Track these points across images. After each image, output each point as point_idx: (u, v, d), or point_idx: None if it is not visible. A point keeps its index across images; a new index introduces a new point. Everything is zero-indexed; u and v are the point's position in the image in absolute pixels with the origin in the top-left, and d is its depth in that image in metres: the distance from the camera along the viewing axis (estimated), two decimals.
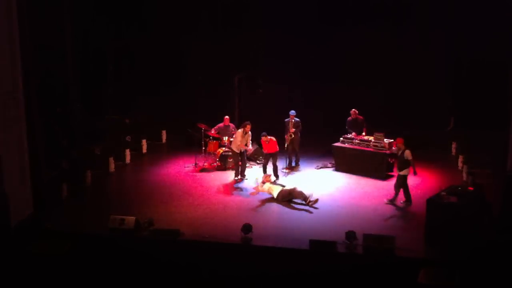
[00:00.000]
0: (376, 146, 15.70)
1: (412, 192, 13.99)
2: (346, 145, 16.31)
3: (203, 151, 16.98)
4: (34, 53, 13.61)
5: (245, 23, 19.67)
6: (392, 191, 13.96)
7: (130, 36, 20.19)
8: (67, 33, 17.73)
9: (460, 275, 10.25)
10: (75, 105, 18.15)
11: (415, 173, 13.75)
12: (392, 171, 15.40)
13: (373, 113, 17.34)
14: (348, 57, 18.75)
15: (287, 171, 16.24)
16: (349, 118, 16.60)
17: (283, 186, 14.40)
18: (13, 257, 11.38)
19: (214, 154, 16.68)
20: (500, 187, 12.75)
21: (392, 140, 15.19)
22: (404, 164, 13.59)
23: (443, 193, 11.95)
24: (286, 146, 16.40)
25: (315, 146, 18.16)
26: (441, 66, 19.06)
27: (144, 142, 18.40)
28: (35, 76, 13.59)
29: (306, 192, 13.98)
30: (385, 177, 15.43)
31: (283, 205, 13.92)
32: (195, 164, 16.73)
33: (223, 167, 16.55)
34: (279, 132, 16.47)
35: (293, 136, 16.39)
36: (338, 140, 16.49)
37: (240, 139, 15.56)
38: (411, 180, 14.35)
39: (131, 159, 17.40)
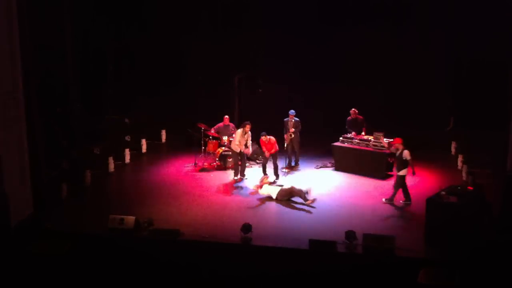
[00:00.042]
0: (376, 145, 15.70)
1: (412, 191, 13.99)
2: (346, 144, 16.31)
3: (202, 151, 16.98)
4: (34, 53, 13.60)
5: (245, 23, 19.67)
6: (391, 191, 13.96)
7: (130, 36, 20.20)
8: (67, 33, 17.73)
9: (460, 275, 10.24)
10: (75, 105, 18.15)
11: (413, 173, 13.75)
12: (391, 170, 15.38)
13: (373, 113, 17.35)
14: (348, 57, 18.75)
15: (286, 170, 16.24)
16: (349, 118, 16.60)
17: (281, 186, 14.41)
18: (13, 257, 11.37)
19: (214, 154, 16.68)
20: (500, 187, 12.75)
21: (391, 140, 15.19)
22: (402, 164, 13.59)
23: (443, 193, 11.94)
24: (285, 146, 16.40)
25: (314, 145, 18.17)
26: (441, 66, 19.06)
27: (143, 141, 18.39)
28: (35, 76, 13.58)
29: (304, 187, 14.02)
30: (384, 176, 15.43)
31: (283, 205, 13.92)
32: (195, 163, 16.73)
33: (222, 167, 16.56)
34: (279, 132, 16.47)
35: (293, 136, 16.39)
36: (337, 140, 16.48)
37: (239, 138, 15.56)
38: (411, 180, 14.35)
39: (130, 159, 17.39)
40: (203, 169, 16.48)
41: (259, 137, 15.82)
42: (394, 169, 13.98)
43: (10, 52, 12.36)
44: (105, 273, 11.13)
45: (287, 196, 14.02)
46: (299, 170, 16.51)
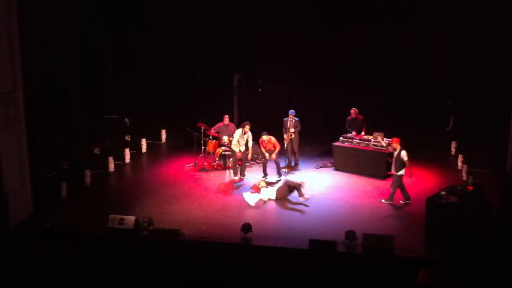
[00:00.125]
0: (376, 145, 15.69)
1: (412, 191, 13.99)
2: (346, 144, 16.30)
3: (202, 150, 16.98)
4: (34, 53, 13.60)
5: (245, 23, 19.70)
6: (389, 191, 13.95)
7: (130, 36, 20.22)
8: (67, 33, 17.73)
9: (460, 275, 10.24)
10: (75, 105, 18.15)
11: (410, 175, 13.72)
12: (391, 170, 15.39)
13: (373, 113, 17.35)
14: (348, 57, 18.77)
15: (286, 170, 16.23)
16: (349, 117, 16.60)
17: (275, 183, 14.45)
18: (13, 257, 11.37)
19: (214, 154, 16.68)
20: (500, 187, 12.75)
21: (390, 140, 15.18)
22: (400, 164, 13.59)
23: (443, 193, 11.95)
24: (285, 146, 16.40)
25: (314, 145, 18.18)
26: (441, 66, 19.09)
27: (143, 141, 18.39)
28: (35, 76, 13.58)
29: (298, 181, 14.16)
30: (384, 176, 15.41)
31: (283, 205, 13.92)
32: (195, 163, 16.72)
33: (223, 167, 16.55)
34: (279, 132, 16.47)
35: (293, 136, 16.39)
36: (337, 140, 16.49)
37: (238, 138, 15.57)
38: (411, 180, 14.34)
39: (130, 159, 17.39)
40: (203, 169, 16.48)
41: (259, 137, 15.82)
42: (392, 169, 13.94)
43: (10, 52, 12.36)
44: (105, 273, 11.12)
45: (287, 193, 14.03)
46: (299, 170, 16.50)
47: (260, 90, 19.72)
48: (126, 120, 20.12)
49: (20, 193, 12.63)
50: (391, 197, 13.82)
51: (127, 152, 17.34)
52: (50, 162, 14.97)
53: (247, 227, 11.87)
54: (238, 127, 16.42)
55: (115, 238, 12.02)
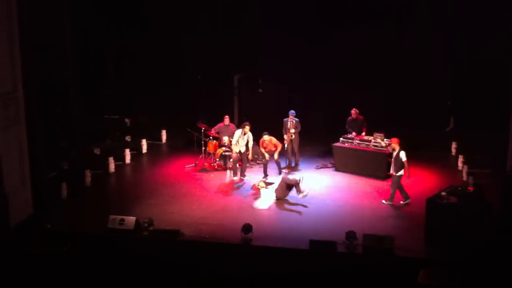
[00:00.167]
0: (376, 146, 15.69)
1: (412, 191, 13.99)
2: (346, 145, 16.30)
3: (203, 151, 16.97)
4: (34, 53, 13.59)
5: (245, 23, 19.69)
6: (389, 192, 13.95)
7: (130, 36, 20.22)
8: (67, 33, 17.73)
9: (460, 275, 10.24)
10: (75, 105, 18.15)
11: (408, 176, 13.72)
12: (390, 171, 15.40)
13: (373, 113, 17.35)
14: (348, 57, 18.76)
15: (286, 171, 16.23)
16: (350, 118, 16.59)
17: (273, 183, 14.51)
18: (13, 257, 11.37)
19: (214, 154, 16.67)
20: (500, 187, 12.75)
21: (389, 140, 15.19)
22: (399, 164, 13.59)
23: (443, 193, 11.95)
24: (285, 146, 16.39)
25: (315, 146, 18.18)
26: (441, 66, 19.09)
27: (144, 142, 18.39)
28: (35, 76, 13.57)
29: (297, 177, 14.22)
30: (385, 177, 15.41)
31: (283, 205, 13.92)
32: (195, 164, 16.72)
33: (223, 167, 16.55)
34: (279, 132, 16.46)
35: (293, 137, 16.38)
36: (338, 140, 16.48)
37: (237, 138, 15.57)
38: (412, 180, 14.34)
39: (131, 159, 17.38)
40: (203, 170, 16.47)
41: (260, 138, 15.83)
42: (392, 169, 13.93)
43: (10, 52, 12.35)
44: (105, 273, 11.12)
45: (286, 191, 14.03)
46: (299, 170, 16.50)
47: (260, 90, 19.71)
48: (127, 120, 20.13)
49: (20, 193, 12.62)
50: (391, 198, 13.82)
51: (128, 152, 17.33)
52: (50, 162, 14.97)
53: (247, 228, 11.87)
54: (238, 127, 16.41)
55: (115, 239, 12.02)
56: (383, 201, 13.90)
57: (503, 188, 12.34)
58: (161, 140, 19.46)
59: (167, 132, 19.57)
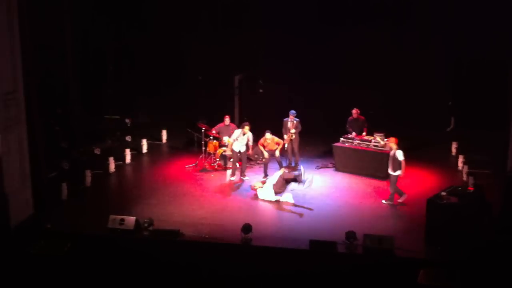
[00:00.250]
0: (376, 146, 15.69)
1: (412, 192, 14.01)
2: (347, 145, 16.30)
3: (203, 151, 16.98)
4: (34, 53, 13.59)
5: (245, 23, 19.71)
6: (389, 192, 13.96)
7: (130, 36, 20.23)
8: (67, 33, 17.73)
9: (460, 275, 10.24)
10: (75, 105, 18.15)
11: (402, 174, 13.70)
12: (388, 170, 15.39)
13: (373, 113, 17.35)
14: (348, 57, 18.77)
15: (287, 171, 16.20)
16: (350, 118, 16.58)
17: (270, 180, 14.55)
18: (13, 257, 11.37)
19: (214, 154, 16.67)
20: (500, 188, 12.75)
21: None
22: (398, 164, 13.59)
23: (443, 193, 11.94)
24: (285, 146, 16.39)
25: (315, 146, 18.18)
26: (441, 66, 19.11)
27: (144, 142, 18.40)
28: (35, 76, 13.56)
29: (296, 172, 14.26)
30: (385, 177, 15.36)
31: (283, 205, 13.92)
32: (196, 164, 16.72)
33: (223, 167, 16.56)
34: (279, 132, 16.46)
35: (294, 137, 16.37)
36: (338, 140, 16.48)
37: (235, 137, 15.57)
38: (412, 179, 14.32)
39: (131, 159, 17.39)
40: (203, 170, 16.47)
41: (260, 138, 15.82)
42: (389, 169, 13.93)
43: (10, 52, 12.35)
44: (105, 273, 11.12)
45: (284, 186, 14.02)
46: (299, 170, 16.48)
47: (260, 90, 19.71)
48: (127, 120, 20.14)
49: (20, 193, 12.61)
50: (391, 198, 13.83)
51: (128, 152, 17.33)
52: (51, 163, 14.97)
53: (247, 228, 11.86)
54: (238, 127, 16.41)
55: (115, 239, 12.02)
56: (383, 201, 13.91)
57: (503, 188, 12.34)
58: (161, 140, 19.46)
59: (167, 132, 19.58)
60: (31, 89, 13.02)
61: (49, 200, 13.53)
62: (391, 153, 13.75)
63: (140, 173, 16.75)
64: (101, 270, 11.20)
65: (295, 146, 16.54)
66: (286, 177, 14.15)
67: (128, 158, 17.29)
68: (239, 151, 15.71)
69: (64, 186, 14.22)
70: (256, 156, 16.83)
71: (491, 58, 17.53)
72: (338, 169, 16.38)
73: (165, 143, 19.44)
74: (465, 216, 11.53)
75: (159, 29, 19.92)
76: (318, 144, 18.23)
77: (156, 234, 12.08)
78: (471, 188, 12.77)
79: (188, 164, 16.78)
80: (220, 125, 16.83)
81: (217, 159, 16.60)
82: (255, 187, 14.52)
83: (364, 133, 16.40)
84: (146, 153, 18.30)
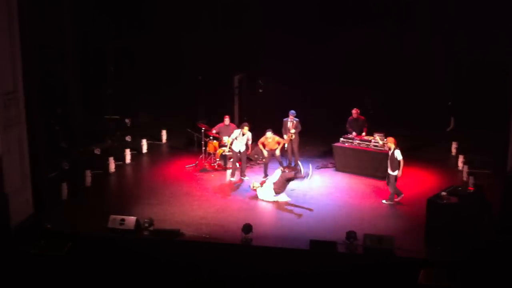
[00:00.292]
0: (376, 146, 15.69)
1: (412, 192, 14.02)
2: (347, 145, 16.30)
3: (203, 151, 16.98)
4: (34, 53, 13.59)
5: (245, 23, 19.70)
6: (389, 192, 13.97)
7: (130, 36, 20.22)
8: (67, 33, 17.72)
9: (460, 275, 10.24)
10: (75, 105, 18.14)
11: (400, 174, 13.69)
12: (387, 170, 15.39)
13: (373, 113, 17.35)
14: (348, 57, 18.77)
15: (287, 170, 16.20)
16: (350, 118, 16.58)
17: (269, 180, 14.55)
18: (13, 257, 11.37)
19: (214, 154, 16.67)
20: (500, 188, 12.75)
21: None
22: (396, 163, 13.59)
23: (443, 193, 11.95)
24: (285, 146, 16.39)
25: (315, 146, 18.18)
26: (441, 66, 19.11)
27: (144, 142, 18.39)
28: (35, 76, 13.56)
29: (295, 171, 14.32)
30: (385, 177, 15.39)
31: (283, 205, 13.92)
32: (195, 164, 16.72)
33: (223, 167, 16.55)
34: (279, 132, 16.46)
35: (293, 137, 16.37)
36: (338, 140, 16.48)
37: (234, 137, 15.57)
38: (412, 179, 14.31)
39: (131, 159, 17.38)
40: (203, 170, 16.47)
41: (260, 138, 15.82)
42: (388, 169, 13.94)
43: (10, 52, 12.35)
44: (106, 273, 11.12)
45: (284, 185, 14.02)
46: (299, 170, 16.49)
47: (260, 90, 19.71)
48: (127, 120, 20.13)
49: (20, 193, 12.61)
50: (391, 198, 13.83)
51: (128, 152, 17.33)
52: (51, 163, 14.96)
53: (247, 228, 11.87)
54: (238, 127, 16.41)
55: (115, 239, 12.02)
56: (383, 201, 13.91)
57: (503, 188, 12.34)
58: (161, 140, 19.46)
59: (167, 132, 19.58)
60: (31, 89, 13.02)
61: (49, 200, 13.53)
62: (390, 152, 13.76)
63: (140, 173, 16.76)
64: (101, 270, 11.19)
65: (295, 146, 16.53)
66: (286, 176, 14.16)
67: (128, 158, 17.29)
68: (239, 151, 15.71)
69: (64, 186, 14.23)
70: (256, 156, 16.82)
71: (491, 59, 17.52)
72: (338, 169, 16.39)
73: (165, 143, 19.44)
74: (465, 216, 11.54)
75: (159, 29, 19.91)
76: (318, 144, 18.23)
77: (156, 234, 12.08)
78: (471, 188, 12.79)
79: (188, 164, 16.78)
80: (220, 125, 16.83)
81: (217, 159, 16.60)
82: (254, 187, 14.52)
83: (364, 133, 16.40)
84: (146, 153, 18.30)
